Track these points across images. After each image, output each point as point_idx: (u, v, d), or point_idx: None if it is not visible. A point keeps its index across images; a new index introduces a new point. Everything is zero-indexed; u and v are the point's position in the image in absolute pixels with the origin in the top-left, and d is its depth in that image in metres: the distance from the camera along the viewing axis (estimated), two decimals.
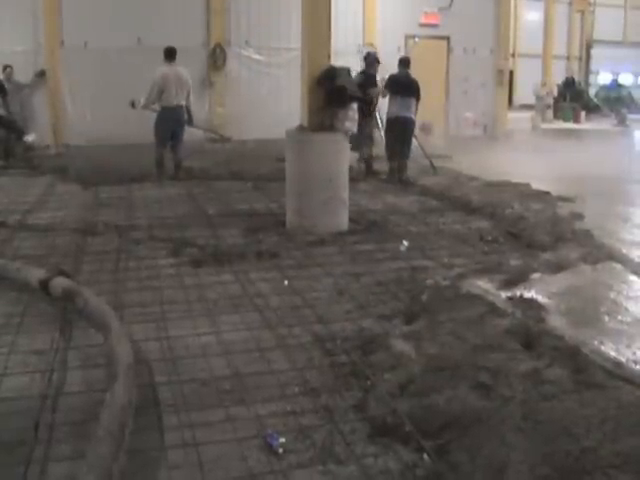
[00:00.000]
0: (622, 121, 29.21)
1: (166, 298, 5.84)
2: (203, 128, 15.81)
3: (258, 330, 5.12)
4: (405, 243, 7.69)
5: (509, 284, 6.23)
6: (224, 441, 3.56)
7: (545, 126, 26.96)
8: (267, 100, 18.19)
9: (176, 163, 12.35)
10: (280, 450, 3.45)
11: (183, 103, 12.10)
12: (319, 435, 3.60)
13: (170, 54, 12.04)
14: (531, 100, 30.92)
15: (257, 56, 18.76)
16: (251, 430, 3.65)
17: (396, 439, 3.54)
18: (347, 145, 8.46)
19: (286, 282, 6.30)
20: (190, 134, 12.81)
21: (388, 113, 12.14)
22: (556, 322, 5.33)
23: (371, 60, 13.05)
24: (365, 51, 13.44)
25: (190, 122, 12.53)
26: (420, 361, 4.37)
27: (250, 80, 18.61)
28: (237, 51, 18.56)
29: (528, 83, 32.28)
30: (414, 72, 12.86)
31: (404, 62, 12.66)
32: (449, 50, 20.99)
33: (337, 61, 9.07)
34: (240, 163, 13.70)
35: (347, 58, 13.90)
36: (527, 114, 28.48)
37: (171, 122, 12.07)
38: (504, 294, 5.97)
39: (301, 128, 8.47)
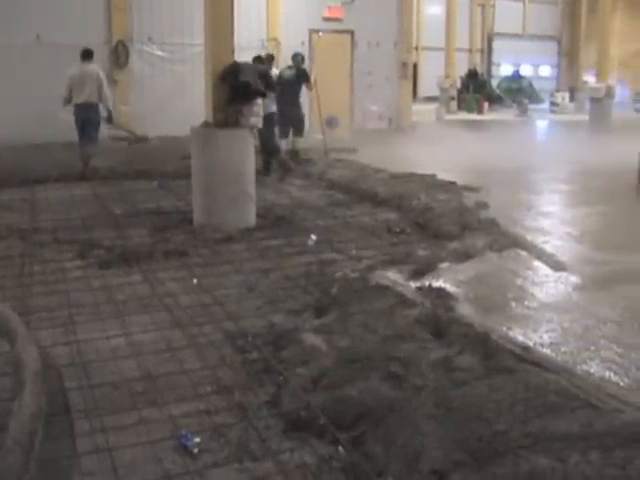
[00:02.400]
0: (524, 111, 30.03)
1: (74, 301, 5.71)
2: (121, 127, 15.61)
3: (168, 330, 5.06)
4: (313, 237, 7.71)
5: (418, 274, 6.33)
6: (138, 444, 3.50)
7: (449, 117, 27.46)
8: (171, 97, 17.96)
9: (83, 161, 12.26)
10: (195, 450, 3.42)
11: (93, 100, 12.13)
12: (234, 433, 3.58)
13: (83, 54, 12.30)
14: (435, 92, 31.50)
15: (160, 52, 18.52)
16: (165, 431, 3.61)
17: (311, 433, 3.55)
18: (252, 141, 8.45)
19: (195, 280, 6.25)
20: None
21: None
22: (465, 310, 5.44)
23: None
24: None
25: (110, 119, 12.71)
26: (332, 354, 4.39)
27: (154, 77, 18.38)
28: (140, 48, 18.30)
29: (432, 75, 32.92)
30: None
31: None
32: (353, 44, 21.07)
33: (241, 57, 9.04)
34: (145, 161, 13.49)
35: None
36: (431, 106, 28.98)
37: (78, 119, 12.14)
38: (413, 284, 6.06)
39: (206, 125, 8.40)
